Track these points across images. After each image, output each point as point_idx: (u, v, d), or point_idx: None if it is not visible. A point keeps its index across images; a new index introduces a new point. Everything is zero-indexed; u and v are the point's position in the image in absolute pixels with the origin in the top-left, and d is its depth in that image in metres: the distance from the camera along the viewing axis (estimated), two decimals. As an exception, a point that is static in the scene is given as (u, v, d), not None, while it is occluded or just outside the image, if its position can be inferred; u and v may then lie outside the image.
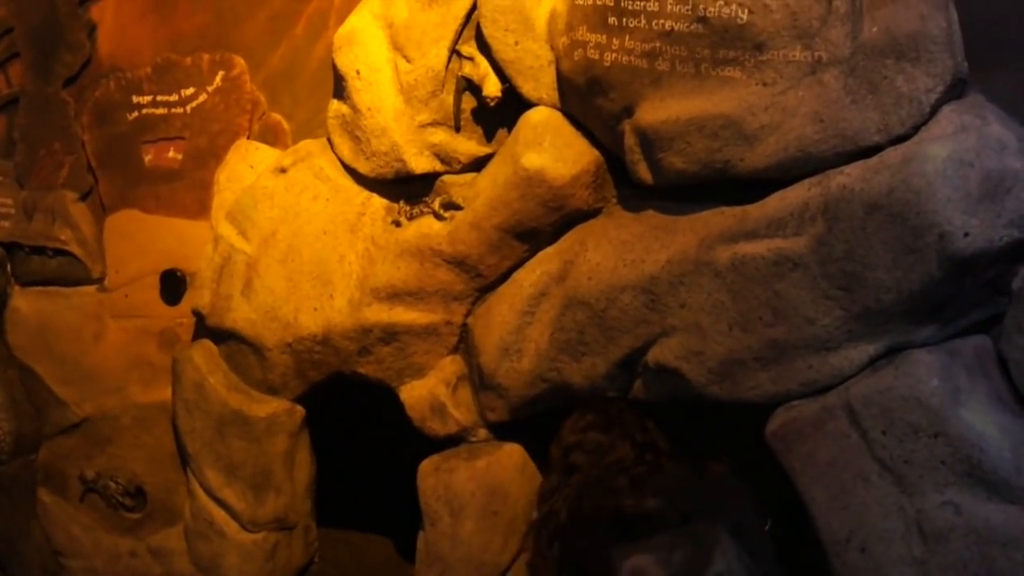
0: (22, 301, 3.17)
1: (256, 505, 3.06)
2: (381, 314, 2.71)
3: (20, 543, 3.20)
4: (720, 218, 2.15)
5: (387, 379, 2.82)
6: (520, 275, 2.53)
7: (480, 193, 2.53)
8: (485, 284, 2.62)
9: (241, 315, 2.90)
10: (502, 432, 2.70)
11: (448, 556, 2.60)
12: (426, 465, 2.71)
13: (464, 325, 2.70)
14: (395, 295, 2.69)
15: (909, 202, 1.80)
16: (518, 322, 2.50)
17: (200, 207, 3.11)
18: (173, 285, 3.14)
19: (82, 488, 3.26)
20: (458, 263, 2.59)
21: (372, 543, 3.52)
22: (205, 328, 3.05)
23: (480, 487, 2.59)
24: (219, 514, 3.09)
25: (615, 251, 2.32)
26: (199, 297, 3.00)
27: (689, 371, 2.19)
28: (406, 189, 2.73)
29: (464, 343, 2.71)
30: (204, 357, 3.04)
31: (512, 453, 2.66)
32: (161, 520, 3.24)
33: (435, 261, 2.62)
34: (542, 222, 2.47)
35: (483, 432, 2.70)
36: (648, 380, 2.33)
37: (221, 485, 3.06)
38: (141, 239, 3.17)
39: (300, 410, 3.04)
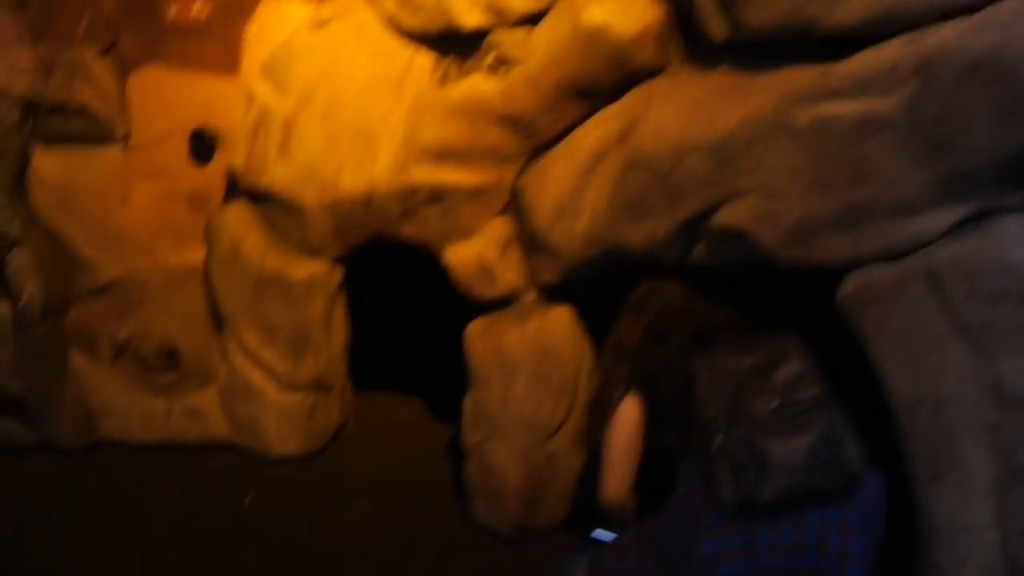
0: (45, 161, 3.05)
1: (295, 366, 3.05)
2: (428, 174, 2.65)
3: (54, 404, 3.18)
4: (800, 77, 2.09)
5: (431, 241, 2.78)
6: (578, 135, 2.46)
7: (536, 49, 2.44)
8: (538, 144, 2.56)
9: (278, 175, 2.82)
10: (550, 295, 2.69)
11: (498, 416, 2.62)
12: (474, 327, 2.70)
13: (514, 186, 2.64)
14: (443, 155, 2.62)
15: (1016, 62, 1.74)
16: (575, 183, 2.45)
17: (229, 64, 2.99)
18: (203, 144, 3.04)
19: (114, 350, 3.23)
20: (511, 122, 2.52)
21: (403, 403, 3.56)
22: (239, 189, 2.97)
23: (531, 349, 2.60)
24: (257, 375, 3.09)
25: (683, 111, 2.26)
26: (233, 157, 2.92)
27: (761, 234, 2.17)
28: (454, 45, 2.62)
29: (514, 205, 2.67)
30: (239, 219, 2.97)
31: (562, 316, 2.66)
32: (195, 382, 3.23)
33: (486, 120, 2.54)
34: (603, 80, 2.39)
35: (532, 295, 2.69)
36: (712, 244, 2.30)
37: (259, 346, 3.04)
38: (167, 97, 3.04)
39: (339, 271, 3.00)
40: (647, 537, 2.04)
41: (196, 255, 3.13)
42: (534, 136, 2.53)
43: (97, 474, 3.14)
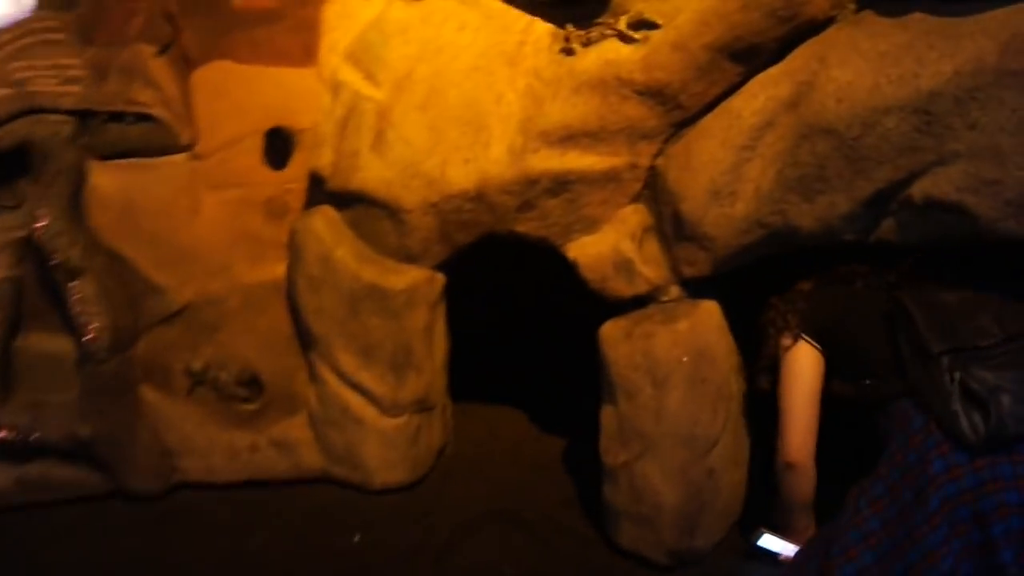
0: (103, 177, 2.73)
1: (397, 387, 2.74)
2: (551, 161, 2.34)
3: (128, 447, 2.86)
4: (1028, 16, 1.78)
5: (551, 236, 2.47)
6: (736, 104, 2.16)
7: (684, 7, 2.12)
8: (682, 118, 2.25)
9: (372, 174, 2.51)
10: (694, 289, 2.38)
11: (652, 432, 2.31)
12: (611, 331, 2.40)
13: (652, 168, 2.33)
14: (569, 137, 2.31)
15: None
16: (734, 159, 2.15)
17: (305, 52, 2.68)
18: (280, 146, 2.73)
19: (190, 382, 2.91)
20: (654, 94, 2.21)
21: (505, 417, 3.25)
22: (325, 192, 2.66)
23: (686, 352, 2.29)
24: (355, 400, 2.78)
25: (872, 66, 1.95)
26: (318, 157, 2.61)
27: (976, 204, 1.87)
28: (575, 9, 2.31)
29: (651, 189, 2.35)
30: (327, 226, 2.66)
31: (712, 312, 2.36)
32: (281, 410, 2.92)
33: (622, 93, 2.23)
34: (766, 37, 2.09)
35: (675, 290, 2.38)
36: (907, 219, 2.00)
37: (357, 368, 2.73)
38: (236, 95, 2.72)
39: (440, 278, 2.70)
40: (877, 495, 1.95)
41: (276, 270, 2.82)
42: (679, 109, 2.22)
43: (182, 520, 2.81)
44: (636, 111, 2.24)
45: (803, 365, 2.18)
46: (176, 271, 2.81)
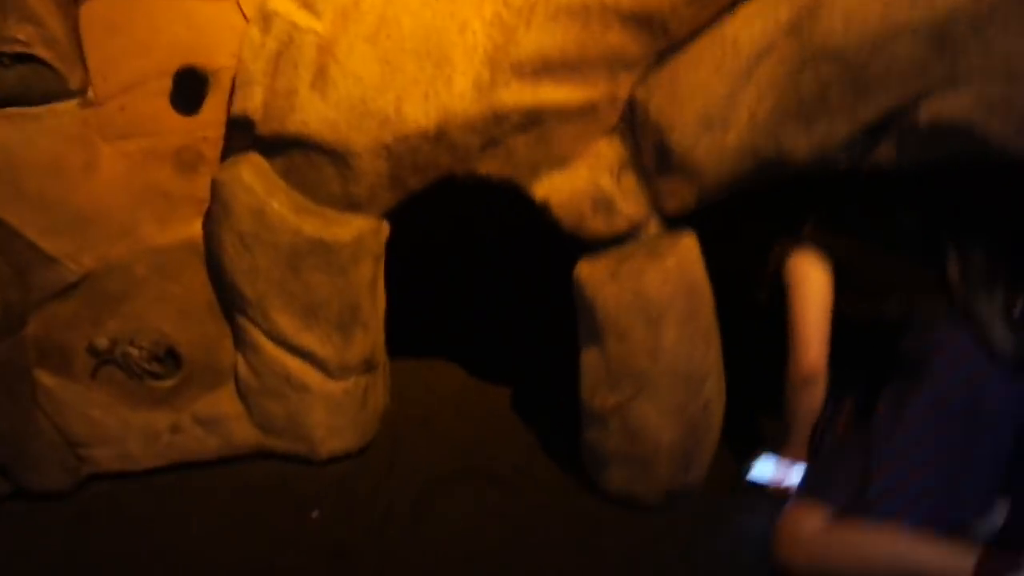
0: (-24, 130, 2.31)
1: (343, 347, 2.53)
2: (523, 95, 2.17)
3: (27, 441, 2.48)
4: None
5: (516, 176, 2.32)
6: (730, 29, 2.06)
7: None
8: (667, 45, 2.13)
9: (313, 115, 2.25)
10: (670, 224, 2.31)
11: (648, 371, 2.23)
12: (592, 272, 2.29)
13: (631, 99, 2.21)
14: (545, 69, 2.15)
15: None
16: (729, 87, 2.06)
17: (219, -22, 2.33)
18: (192, 88, 2.39)
19: (94, 362, 2.55)
20: (641, 20, 2.08)
21: (438, 370, 3.10)
22: (252, 139, 2.36)
23: (679, 288, 2.22)
24: (296, 365, 2.54)
25: (881, -15, 1.90)
26: (246, 98, 2.31)
27: (987, 125, 1.87)
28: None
29: (628, 122, 2.24)
30: (258, 176, 2.37)
31: (693, 245, 2.30)
32: (203, 384, 2.63)
33: (606, 20, 2.09)
34: (764, -45, 1.99)
35: (654, 225, 2.29)
36: (907, 143, 1.99)
37: (298, 330, 2.49)
38: (137, 30, 2.34)
39: (386, 227, 2.50)
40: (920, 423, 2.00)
41: (190, 229, 2.50)
42: (667, 35, 2.09)
43: (103, 517, 2.50)
44: (619, 39, 2.10)
45: (815, 277, 2.18)
46: (71, 237, 2.43)
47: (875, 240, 2.19)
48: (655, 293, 2.19)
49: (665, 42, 2.11)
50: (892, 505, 1.98)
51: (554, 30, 2.10)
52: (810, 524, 2.05)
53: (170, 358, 2.60)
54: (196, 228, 2.50)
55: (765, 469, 2.32)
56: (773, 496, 2.30)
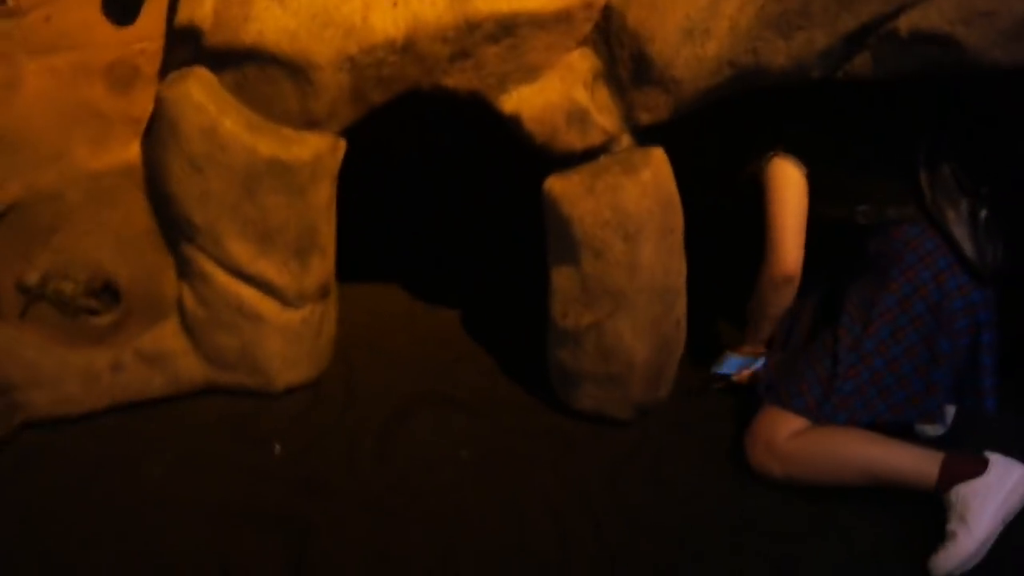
0: None
1: (301, 274, 2.42)
2: (498, 1, 2.08)
3: (-48, 390, 2.30)
4: None
5: (484, 89, 2.24)
6: (715, -67, 2.01)
7: None
8: (647, -51, 2.07)
9: (271, 24, 2.10)
10: (641, 137, 2.28)
11: (625, 288, 2.22)
12: (566, 187, 2.25)
13: (606, 8, 2.15)
14: (522, -26, 2.06)
15: None
16: (712, -4, 2.02)
17: None
18: (127, -5, 2.19)
19: (23, 300, 2.36)
20: (624, -78, 2.01)
21: (380, 293, 3.00)
22: (199, 51, 2.19)
23: (656, 203, 2.20)
24: (250, 294, 2.41)
25: None
26: (194, 5, 2.13)
27: (967, 35, 1.89)
28: None
29: (601, 32, 2.18)
30: (207, 93, 2.21)
31: (664, 158, 2.28)
32: (144, 318, 2.47)
33: (587, -78, 2.01)
34: None
35: (627, 139, 2.26)
36: (884, 52, 1.99)
37: (253, 257, 2.35)
38: (62, -72, 2.13)
39: (343, 144, 2.37)
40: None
41: (127, 152, 2.33)
42: (647, -62, 2.04)
43: (45, 465, 2.32)
44: (600, -59, 2.03)
45: (792, 181, 2.24)
46: (-7, 163, 2.22)
47: (848, 151, 2.26)
48: (634, 208, 2.17)
49: (646, -54, 2.05)
50: (860, 402, 2.11)
51: (533, -68, 2.01)
52: (783, 430, 2.12)
53: (107, 292, 2.42)
54: (133, 150, 2.33)
55: (730, 364, 2.37)
56: (738, 384, 2.35)
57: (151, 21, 2.22)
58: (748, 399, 2.35)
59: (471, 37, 2.12)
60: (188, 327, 2.46)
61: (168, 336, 2.47)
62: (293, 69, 2.14)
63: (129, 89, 2.26)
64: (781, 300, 2.28)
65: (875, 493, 2.08)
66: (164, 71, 2.26)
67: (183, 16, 2.13)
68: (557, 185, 2.25)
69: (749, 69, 2.07)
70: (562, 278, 2.29)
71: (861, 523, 2.08)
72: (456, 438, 2.39)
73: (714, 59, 2.07)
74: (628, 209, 2.17)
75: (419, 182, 3.21)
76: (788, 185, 2.22)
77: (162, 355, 2.47)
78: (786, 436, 2.14)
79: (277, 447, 2.37)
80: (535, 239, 2.38)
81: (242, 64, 2.17)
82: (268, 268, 2.36)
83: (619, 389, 2.32)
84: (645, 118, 2.20)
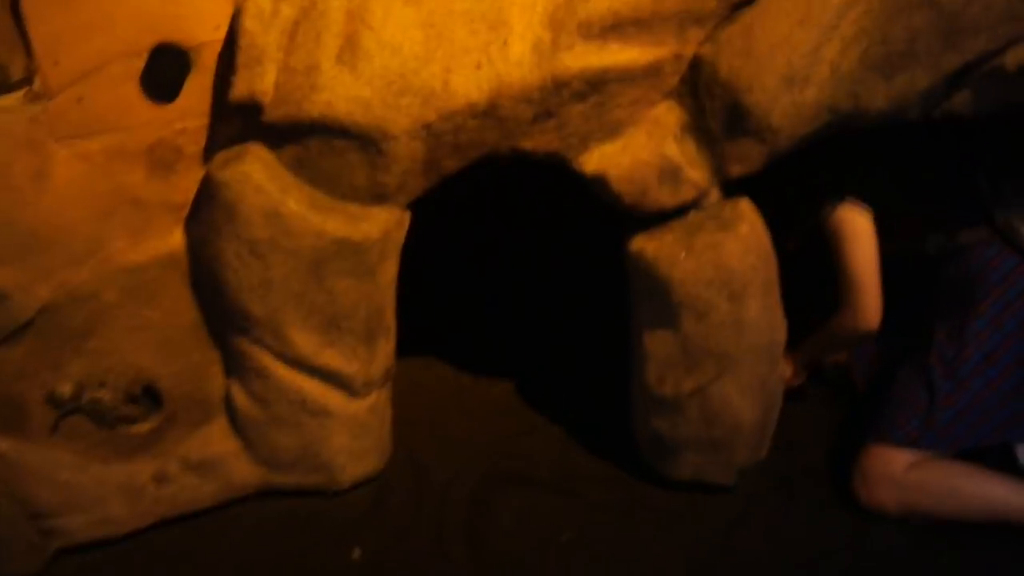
0: None
1: (369, 360, 2.22)
2: (588, 58, 1.94)
3: (-17, 523, 2.00)
4: None
5: (564, 150, 2.10)
6: (817, -22, 1.92)
7: None
8: (743, -1, 1.97)
9: (341, 93, 1.91)
10: (727, 189, 2.18)
11: (733, 349, 2.10)
12: (659, 248, 2.11)
13: (695, 58, 2.04)
14: (615, 27, 1.93)
15: None
16: (815, 41, 1.93)
17: (202, -67, 1.91)
18: (169, 70, 1.96)
19: (55, 413, 2.08)
20: (723, -32, 1.90)
21: (431, 368, 2.81)
22: (252, 127, 1.98)
23: (758, 257, 2.09)
24: (313, 388, 2.20)
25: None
26: (254, 78, 1.92)
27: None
28: None
29: (688, 83, 2.06)
30: (267, 172, 1.99)
31: (753, 208, 2.16)
32: (188, 422, 2.23)
33: (688, -31, 1.89)
34: None
35: (716, 193, 2.15)
36: (987, 89, 1.95)
37: (319, 348, 2.14)
38: (91, 3, 1.87)
39: (408, 217, 2.18)
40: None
41: (167, 242, 2.08)
42: (745, -15, 1.93)
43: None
44: (697, -10, 1.92)
45: (862, 230, 2.19)
46: (21, 265, 1.95)
47: (909, 183, 2.24)
48: (738, 265, 2.05)
49: (745, -7, 1.95)
50: (962, 428, 2.11)
51: (628, -16, 1.88)
52: (898, 463, 2.11)
53: (147, 396, 2.17)
54: (175, 239, 2.09)
55: None
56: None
57: (193, 97, 1.98)
58: (842, 452, 2.28)
59: (557, 96, 1.97)
60: (239, 427, 2.23)
61: (216, 439, 2.24)
62: (365, 140, 1.95)
63: (170, 173, 2.02)
64: (854, 344, 2.33)
65: (1001, 534, 2.03)
66: (209, 151, 2.03)
67: (241, 90, 1.91)
68: (650, 246, 2.12)
69: (848, 113, 1.99)
70: (657, 343, 2.16)
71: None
72: (548, 520, 2.23)
73: (813, 105, 1.98)
74: (732, 266, 2.05)
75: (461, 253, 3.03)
76: (859, 236, 2.17)
77: (211, 461, 2.23)
78: (903, 468, 2.11)
79: (356, 551, 2.16)
80: (566, 298, 2.25)
81: (305, 138, 1.96)
82: (335, 357, 2.15)
83: (723, 454, 2.20)
84: (737, 170, 2.08)
